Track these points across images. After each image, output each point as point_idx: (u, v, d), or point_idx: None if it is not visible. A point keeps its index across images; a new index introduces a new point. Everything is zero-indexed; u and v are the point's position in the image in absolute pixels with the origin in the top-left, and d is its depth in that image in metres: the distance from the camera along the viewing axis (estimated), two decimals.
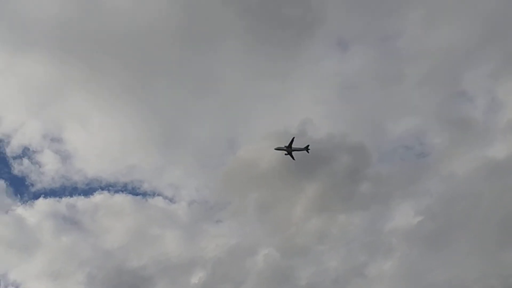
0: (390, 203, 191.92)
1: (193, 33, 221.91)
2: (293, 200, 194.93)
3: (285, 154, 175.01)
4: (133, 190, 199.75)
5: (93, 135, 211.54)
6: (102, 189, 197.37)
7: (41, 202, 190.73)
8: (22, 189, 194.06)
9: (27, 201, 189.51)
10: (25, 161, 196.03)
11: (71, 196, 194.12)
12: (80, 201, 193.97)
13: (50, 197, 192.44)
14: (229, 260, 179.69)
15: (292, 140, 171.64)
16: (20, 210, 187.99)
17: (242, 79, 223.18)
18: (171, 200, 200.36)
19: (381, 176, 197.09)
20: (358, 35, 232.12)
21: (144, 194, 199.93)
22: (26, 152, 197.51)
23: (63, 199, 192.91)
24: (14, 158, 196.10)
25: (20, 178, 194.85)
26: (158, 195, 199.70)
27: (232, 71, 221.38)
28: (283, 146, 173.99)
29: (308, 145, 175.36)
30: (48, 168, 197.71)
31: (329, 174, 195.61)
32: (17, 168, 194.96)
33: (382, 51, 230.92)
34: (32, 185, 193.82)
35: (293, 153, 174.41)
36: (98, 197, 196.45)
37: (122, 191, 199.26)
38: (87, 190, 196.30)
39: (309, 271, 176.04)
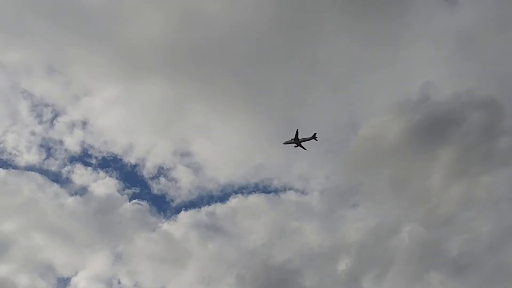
0: None
1: (291, 21, 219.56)
2: (428, 170, 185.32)
3: (295, 147, 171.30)
4: (264, 189, 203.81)
5: (218, 143, 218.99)
6: (236, 192, 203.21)
7: (183, 215, 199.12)
8: (164, 206, 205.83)
9: (170, 217, 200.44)
10: (162, 179, 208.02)
11: (209, 204, 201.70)
12: (218, 208, 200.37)
13: (190, 209, 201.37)
14: (372, 242, 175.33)
15: (297, 132, 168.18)
16: (166, 226, 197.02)
17: (350, 55, 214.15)
18: (303, 192, 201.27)
19: None
20: None
21: (276, 191, 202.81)
22: (161, 171, 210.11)
23: (202, 208, 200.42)
24: (152, 178, 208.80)
25: (160, 197, 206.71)
26: (289, 189, 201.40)
27: (338, 49, 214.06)
28: (290, 139, 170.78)
29: (315, 133, 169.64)
30: (183, 182, 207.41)
31: (462, 135, 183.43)
32: (156, 188, 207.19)
33: None
34: (172, 200, 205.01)
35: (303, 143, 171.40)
36: (233, 201, 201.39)
37: (255, 191, 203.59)
38: (223, 196, 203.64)
39: (459, 241, 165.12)
